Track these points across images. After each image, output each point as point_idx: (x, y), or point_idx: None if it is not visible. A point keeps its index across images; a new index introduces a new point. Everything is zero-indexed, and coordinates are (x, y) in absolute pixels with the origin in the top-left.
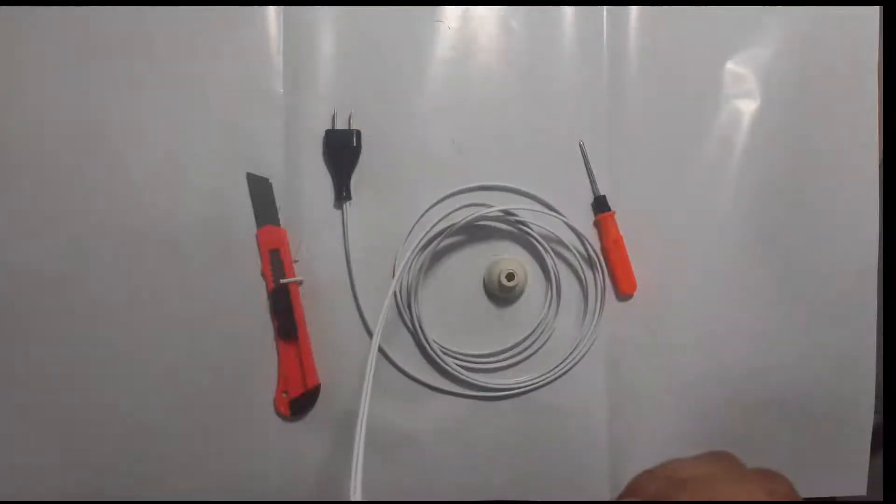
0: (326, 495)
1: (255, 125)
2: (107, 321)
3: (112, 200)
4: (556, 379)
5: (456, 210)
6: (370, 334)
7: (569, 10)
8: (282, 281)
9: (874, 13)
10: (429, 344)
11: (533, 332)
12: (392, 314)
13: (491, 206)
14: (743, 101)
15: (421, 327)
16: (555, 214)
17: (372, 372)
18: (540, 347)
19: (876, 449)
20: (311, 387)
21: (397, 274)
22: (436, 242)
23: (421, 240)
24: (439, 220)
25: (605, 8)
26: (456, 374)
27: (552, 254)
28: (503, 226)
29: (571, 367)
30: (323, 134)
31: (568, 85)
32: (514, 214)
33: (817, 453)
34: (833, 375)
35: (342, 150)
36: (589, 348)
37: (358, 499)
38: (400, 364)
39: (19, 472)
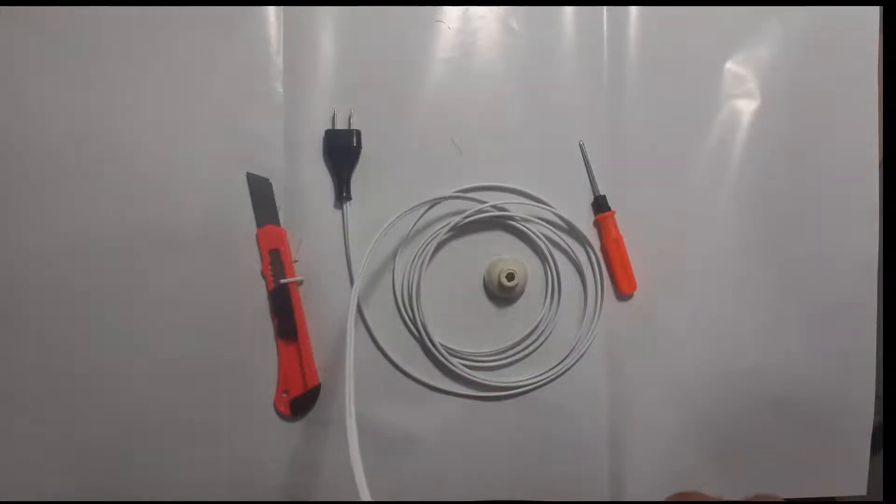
0: (326, 495)
1: (255, 125)
2: (107, 321)
3: (112, 200)
4: (556, 378)
5: (443, 202)
6: (371, 334)
7: (569, 10)
8: (282, 281)
9: (874, 13)
10: (434, 345)
11: (533, 331)
12: (393, 315)
13: (484, 202)
14: (743, 101)
15: (425, 328)
16: (550, 208)
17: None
18: (539, 346)
19: (876, 449)
20: (311, 387)
21: (374, 238)
22: (434, 242)
23: (422, 241)
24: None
25: (605, 8)
26: (461, 373)
27: (552, 253)
28: (503, 225)
29: (571, 367)
30: (323, 134)
31: (568, 85)
32: (505, 209)
33: (817, 453)
34: (833, 375)
35: (342, 150)
36: (588, 347)
37: (367, 499)
38: (401, 365)
39: (20, 472)
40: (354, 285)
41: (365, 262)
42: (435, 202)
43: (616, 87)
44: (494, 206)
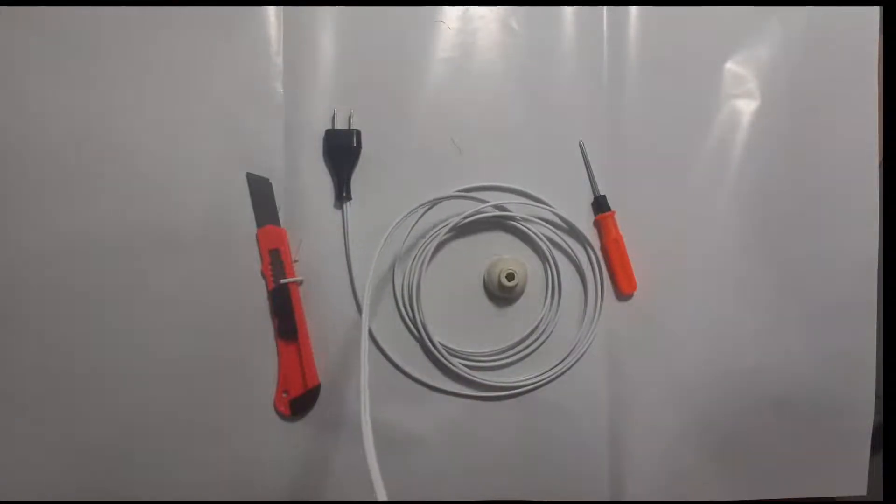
0: (327, 495)
1: (255, 125)
2: (107, 321)
3: (112, 200)
4: (556, 378)
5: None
6: (371, 334)
7: (569, 10)
8: (282, 281)
9: (874, 13)
10: (434, 345)
11: (533, 331)
12: (393, 315)
13: (484, 202)
14: (743, 101)
15: (425, 328)
16: (550, 208)
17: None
18: (539, 346)
19: (876, 449)
20: (311, 387)
21: (382, 240)
22: (434, 242)
23: (422, 241)
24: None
25: (605, 8)
26: (461, 373)
27: (552, 253)
28: (503, 225)
29: (571, 367)
30: (323, 134)
31: (568, 85)
32: (505, 209)
33: (817, 453)
34: (833, 375)
35: (342, 150)
36: (588, 347)
37: (384, 499)
38: (401, 365)
39: (20, 472)
40: (364, 313)
41: (369, 285)
42: (435, 202)
43: (616, 87)
44: (495, 206)
